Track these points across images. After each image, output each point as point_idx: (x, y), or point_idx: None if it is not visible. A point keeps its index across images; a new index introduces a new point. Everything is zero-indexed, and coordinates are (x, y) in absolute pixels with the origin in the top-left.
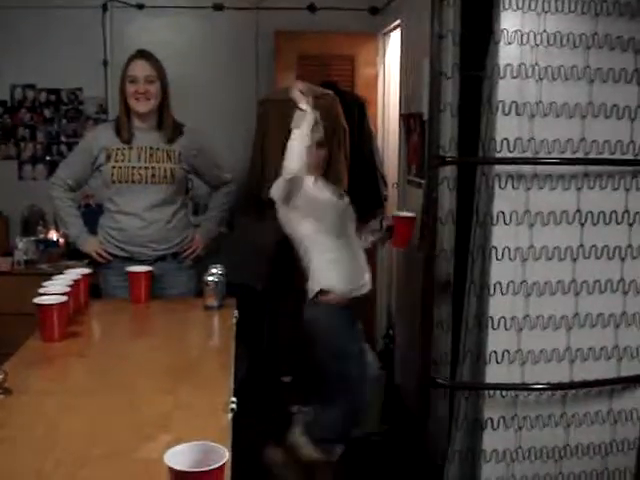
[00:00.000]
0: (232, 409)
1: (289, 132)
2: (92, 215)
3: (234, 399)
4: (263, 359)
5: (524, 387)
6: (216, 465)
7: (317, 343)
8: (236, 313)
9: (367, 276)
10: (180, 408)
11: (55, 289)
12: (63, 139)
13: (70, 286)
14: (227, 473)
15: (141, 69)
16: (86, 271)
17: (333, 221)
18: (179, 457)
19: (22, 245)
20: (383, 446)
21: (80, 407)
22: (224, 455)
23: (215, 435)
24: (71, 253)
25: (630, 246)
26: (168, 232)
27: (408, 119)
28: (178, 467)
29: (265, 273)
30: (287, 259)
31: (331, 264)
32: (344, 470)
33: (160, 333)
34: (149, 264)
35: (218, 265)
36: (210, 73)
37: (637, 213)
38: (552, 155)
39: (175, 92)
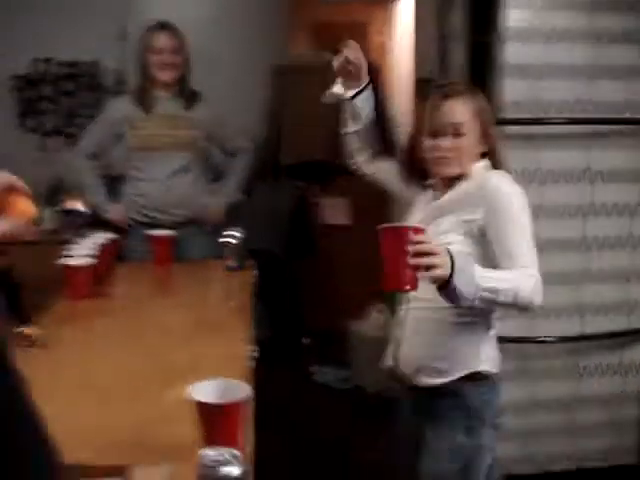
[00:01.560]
0: (254, 357)
1: (306, 99)
2: (113, 185)
3: (255, 348)
4: (285, 322)
5: (534, 340)
6: (240, 398)
7: None
8: (255, 272)
9: None
10: (203, 357)
11: (82, 252)
12: (83, 111)
13: (96, 249)
14: (249, 410)
15: (167, 41)
16: (113, 236)
17: None
18: (203, 391)
19: (47, 215)
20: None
21: (108, 358)
22: (247, 390)
23: (237, 378)
24: (94, 222)
25: None
26: (188, 198)
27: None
28: (203, 399)
29: (284, 236)
30: (305, 220)
31: None
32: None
33: (183, 292)
34: (170, 229)
35: (237, 228)
36: (226, 41)
37: None
38: (560, 115)
39: (192, 60)
